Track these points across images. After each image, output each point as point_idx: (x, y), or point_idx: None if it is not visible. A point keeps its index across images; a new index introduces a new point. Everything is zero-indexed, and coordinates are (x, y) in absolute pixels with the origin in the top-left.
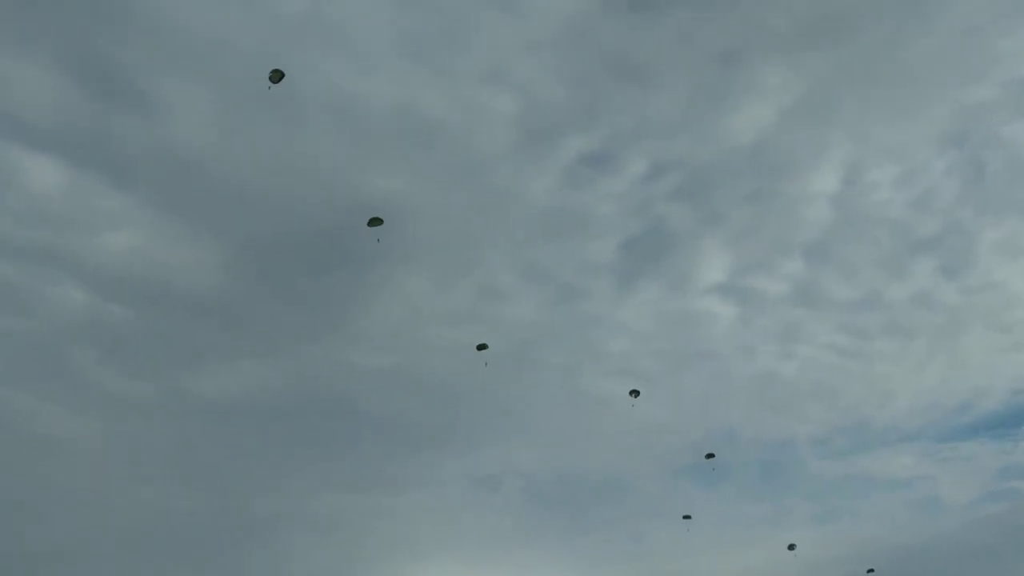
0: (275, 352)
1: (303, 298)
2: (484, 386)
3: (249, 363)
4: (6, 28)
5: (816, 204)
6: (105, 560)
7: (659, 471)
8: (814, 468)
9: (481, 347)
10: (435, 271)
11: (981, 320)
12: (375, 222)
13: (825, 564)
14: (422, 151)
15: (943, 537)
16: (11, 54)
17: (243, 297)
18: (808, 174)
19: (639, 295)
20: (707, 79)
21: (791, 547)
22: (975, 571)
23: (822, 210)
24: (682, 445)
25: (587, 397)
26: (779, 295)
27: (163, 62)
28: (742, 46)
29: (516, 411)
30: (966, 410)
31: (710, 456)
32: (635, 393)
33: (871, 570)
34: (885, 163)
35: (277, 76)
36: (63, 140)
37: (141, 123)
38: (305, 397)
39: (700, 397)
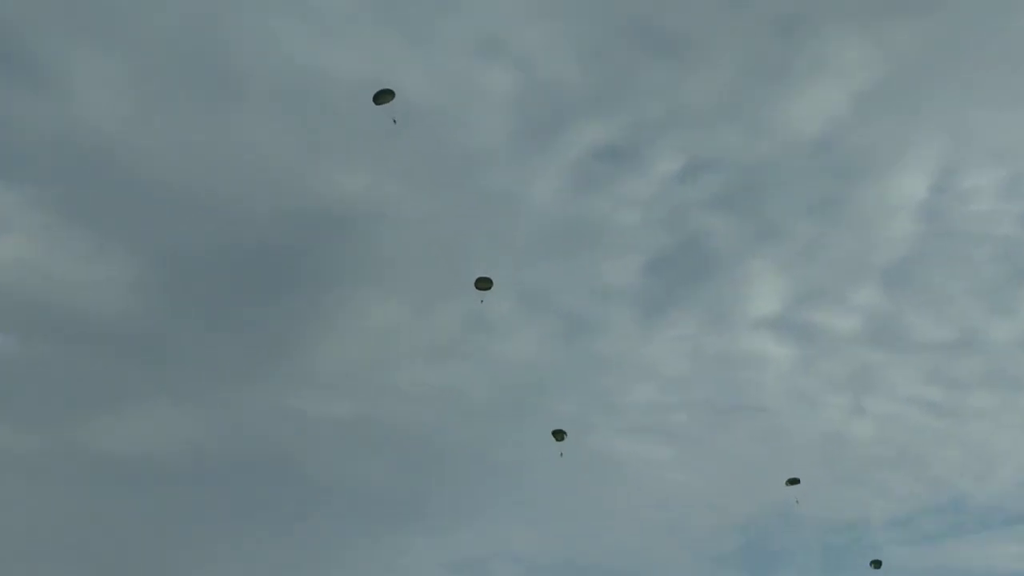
0: (201, 396)
1: (238, 327)
2: (469, 443)
3: (167, 410)
4: None
5: (899, 217)
6: None
7: (693, 557)
8: (894, 556)
9: (558, 435)
10: (409, 294)
11: None
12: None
13: None
14: (395, 142)
15: None
16: None
17: (161, 325)
18: (889, 177)
19: (669, 330)
20: (761, 53)
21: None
22: None
23: (906, 224)
24: (723, 525)
25: (601, 459)
26: (849, 333)
27: (63, 26)
28: (807, 11)
29: (510, 476)
30: None
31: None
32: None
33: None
34: (988, 165)
35: (386, 97)
36: None
37: (34, 101)
38: (238, 455)
39: (747, 462)
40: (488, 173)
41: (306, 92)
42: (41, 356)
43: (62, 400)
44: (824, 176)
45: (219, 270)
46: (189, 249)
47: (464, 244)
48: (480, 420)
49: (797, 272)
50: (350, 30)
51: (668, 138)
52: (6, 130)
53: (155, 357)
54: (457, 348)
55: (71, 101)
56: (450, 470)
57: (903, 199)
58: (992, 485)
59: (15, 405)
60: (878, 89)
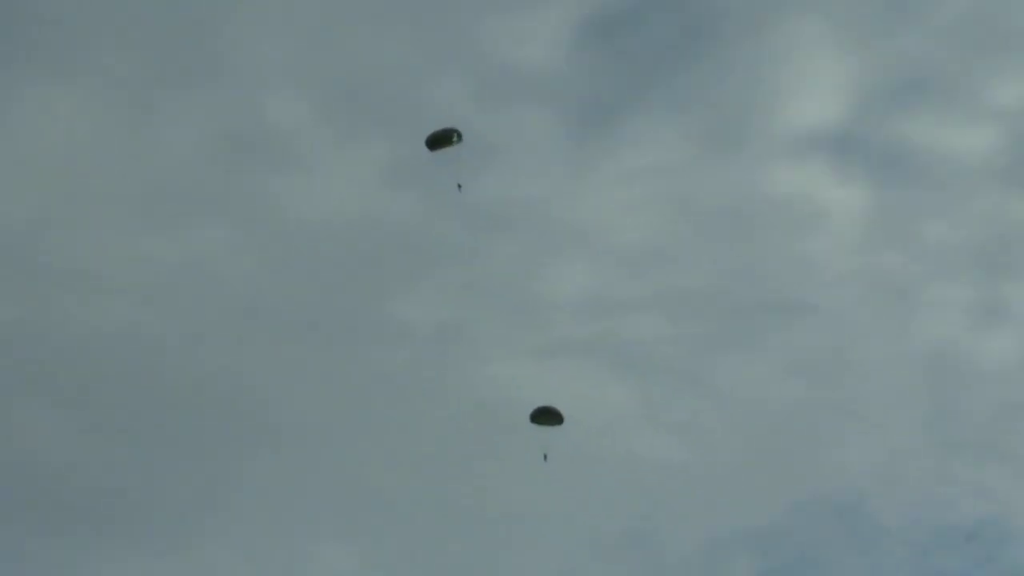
0: None
1: None
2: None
3: None
4: None
5: None
6: None
7: None
8: None
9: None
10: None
11: None
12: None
13: None
14: None
15: None
16: None
17: None
18: None
19: (627, 155)
20: None
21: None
22: None
23: None
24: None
25: (494, 409)
26: (980, 161)
27: None
28: None
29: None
30: None
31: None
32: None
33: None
34: None
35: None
36: None
37: None
38: None
39: (778, 418)
40: None
41: None
42: None
43: None
44: None
45: None
46: None
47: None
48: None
49: (879, 43)
50: None
51: None
52: None
53: None
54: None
55: None
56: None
57: None
58: None
59: None
60: None
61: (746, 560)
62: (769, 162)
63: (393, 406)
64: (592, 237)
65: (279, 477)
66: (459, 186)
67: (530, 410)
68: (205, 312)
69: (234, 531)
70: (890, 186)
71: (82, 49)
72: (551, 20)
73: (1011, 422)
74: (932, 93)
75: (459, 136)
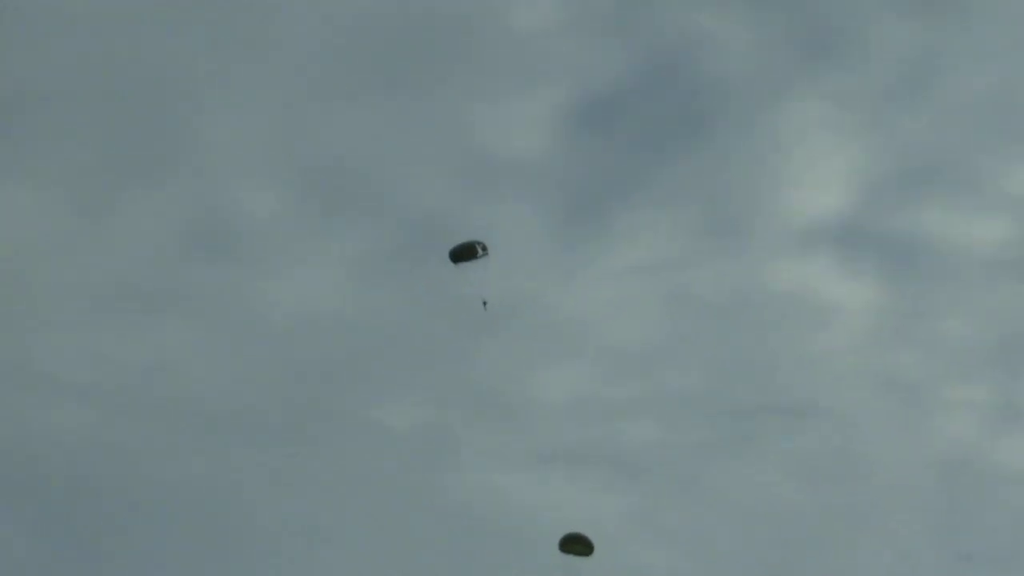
0: None
1: None
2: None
3: None
4: None
5: None
6: None
7: None
8: None
9: None
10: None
11: None
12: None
13: None
14: None
15: None
16: None
17: None
18: None
19: (618, 250)
20: None
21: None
22: None
23: None
24: None
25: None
26: (990, 252)
27: None
28: None
29: None
30: None
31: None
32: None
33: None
34: None
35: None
36: None
37: None
38: None
39: (782, 526)
40: None
41: None
42: None
43: None
44: None
45: None
46: None
47: None
48: None
49: (886, 129)
50: None
51: None
52: None
53: None
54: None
55: None
56: None
57: None
58: None
59: None
60: None
61: None
62: (771, 255)
63: (376, 516)
64: (584, 336)
65: None
66: (484, 303)
67: (559, 536)
68: (172, 416)
69: None
70: (900, 280)
71: (41, 140)
72: (538, 107)
73: None
74: (942, 181)
75: (484, 249)
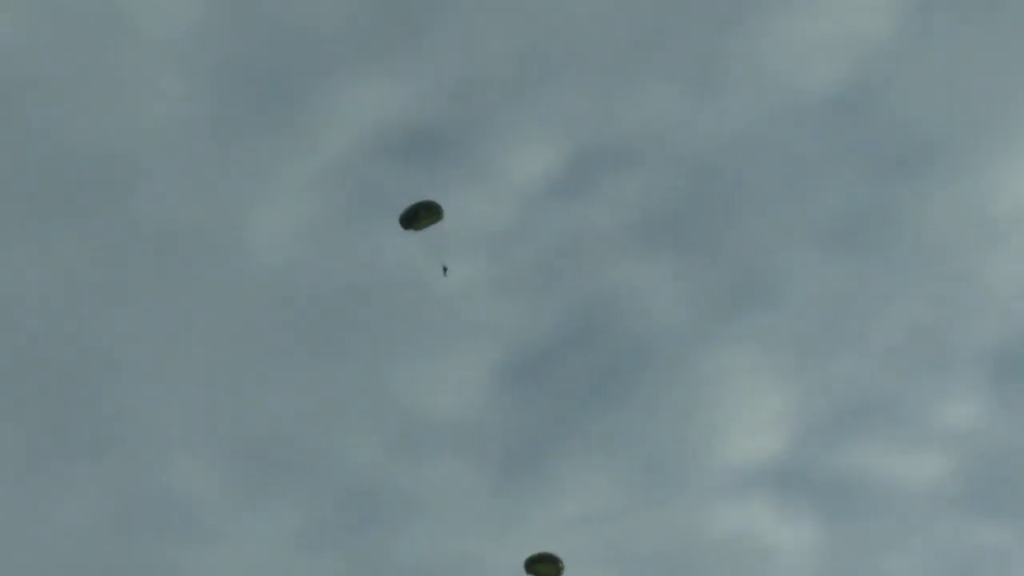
0: None
1: None
2: None
3: None
4: None
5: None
6: None
7: None
8: None
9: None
10: None
11: None
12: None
13: None
14: None
15: None
16: None
17: None
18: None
19: (553, 501)
20: None
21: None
22: None
23: None
24: None
25: None
26: (929, 489)
27: None
28: None
29: None
30: None
31: None
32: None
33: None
34: None
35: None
36: None
37: None
38: None
39: None
40: None
41: None
42: None
43: None
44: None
45: None
46: None
47: None
48: None
49: (815, 370)
50: None
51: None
52: None
53: None
54: (100, 566)
55: None
56: None
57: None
58: None
59: None
60: None
61: None
62: (708, 502)
63: None
64: None
65: None
66: (444, 269)
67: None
68: None
69: None
70: (839, 519)
71: None
72: (466, 365)
73: None
74: (876, 419)
75: (438, 212)
